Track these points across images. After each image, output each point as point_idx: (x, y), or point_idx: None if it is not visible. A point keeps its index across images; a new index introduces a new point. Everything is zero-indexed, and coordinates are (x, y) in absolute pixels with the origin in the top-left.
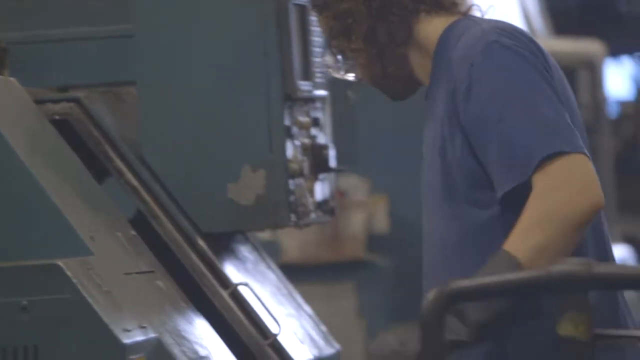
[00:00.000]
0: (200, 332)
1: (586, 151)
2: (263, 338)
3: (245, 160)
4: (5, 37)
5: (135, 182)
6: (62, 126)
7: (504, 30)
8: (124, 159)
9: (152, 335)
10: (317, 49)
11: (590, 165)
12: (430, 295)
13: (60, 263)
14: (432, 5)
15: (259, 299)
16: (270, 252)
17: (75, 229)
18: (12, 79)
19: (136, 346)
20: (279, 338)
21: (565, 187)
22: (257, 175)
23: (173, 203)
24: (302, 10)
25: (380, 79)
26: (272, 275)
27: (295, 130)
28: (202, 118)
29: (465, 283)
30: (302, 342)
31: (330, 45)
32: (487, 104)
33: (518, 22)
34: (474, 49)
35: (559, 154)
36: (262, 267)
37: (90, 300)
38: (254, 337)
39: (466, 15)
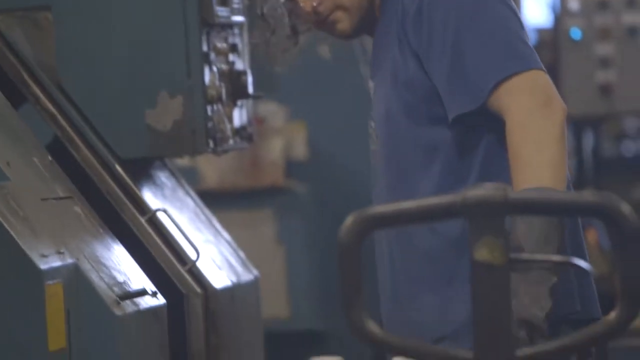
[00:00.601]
0: (118, 258)
1: (541, 66)
2: (181, 264)
3: (162, 87)
4: None
5: (52, 108)
6: None
7: None
8: (40, 85)
9: (69, 261)
10: None
11: (546, 77)
12: (347, 220)
13: None
14: None
15: (177, 225)
16: (189, 178)
17: None
18: None
19: (53, 272)
20: (197, 264)
21: (534, 106)
22: (175, 101)
23: (90, 129)
24: None
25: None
26: (190, 202)
27: (213, 56)
28: (119, 44)
29: (382, 208)
30: (220, 269)
31: None
32: (438, 28)
33: None
34: None
35: (514, 74)
36: (180, 193)
37: (6, 225)
38: (172, 263)
39: None
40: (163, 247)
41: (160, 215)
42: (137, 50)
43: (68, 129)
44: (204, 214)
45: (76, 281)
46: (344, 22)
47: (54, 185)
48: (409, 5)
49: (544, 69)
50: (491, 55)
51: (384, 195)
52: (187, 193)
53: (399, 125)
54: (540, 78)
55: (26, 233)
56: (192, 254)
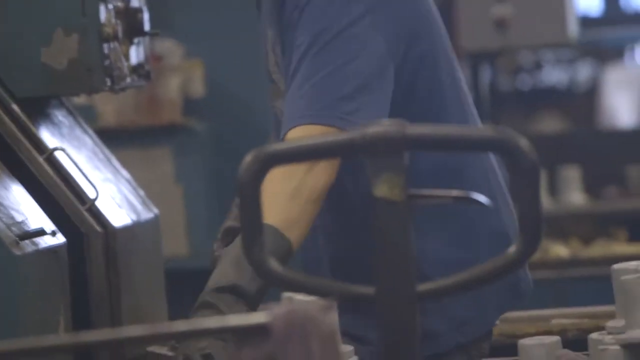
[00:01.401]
0: (17, 197)
1: (339, 119)
2: (81, 203)
3: (57, 24)
4: None
5: None
6: None
7: None
8: None
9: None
10: None
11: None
12: (246, 158)
13: None
14: None
15: (75, 164)
16: (86, 117)
17: None
18: None
19: None
20: (96, 203)
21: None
22: (71, 39)
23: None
24: None
25: None
26: (89, 140)
27: None
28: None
29: (281, 145)
30: (120, 207)
31: None
32: (301, 47)
33: None
34: None
35: (303, 124)
36: (78, 132)
37: None
38: (72, 202)
39: None
40: (62, 186)
41: (59, 154)
42: None
43: None
44: (102, 152)
45: None
46: None
47: None
48: None
49: (335, 122)
50: (299, 99)
51: None
52: (85, 131)
53: None
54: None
55: None
56: (91, 193)
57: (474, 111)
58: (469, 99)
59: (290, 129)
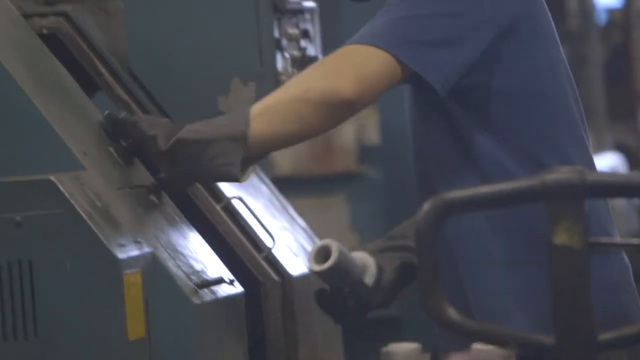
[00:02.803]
0: (195, 246)
1: (414, 59)
2: (258, 252)
3: (235, 73)
4: None
5: (124, 96)
6: (51, 40)
7: None
8: (113, 73)
9: (146, 250)
10: None
11: (378, 63)
12: (424, 206)
13: (52, 178)
14: None
15: (252, 212)
16: (262, 165)
17: (67, 144)
18: None
19: (131, 261)
20: (273, 251)
21: (322, 66)
22: (248, 88)
23: (163, 116)
24: None
25: None
26: (265, 189)
27: (284, 42)
28: (191, 31)
29: (459, 193)
30: (296, 255)
31: None
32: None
33: None
34: None
35: (364, 43)
36: (255, 180)
37: (83, 215)
38: (249, 250)
39: None
40: (239, 234)
41: (236, 203)
42: (209, 37)
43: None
44: (278, 200)
45: (154, 270)
46: None
47: (129, 174)
48: None
49: (402, 54)
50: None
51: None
52: (262, 180)
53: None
54: (375, 59)
55: (103, 222)
56: (268, 241)
57: (579, 105)
58: (574, 92)
59: (359, 44)
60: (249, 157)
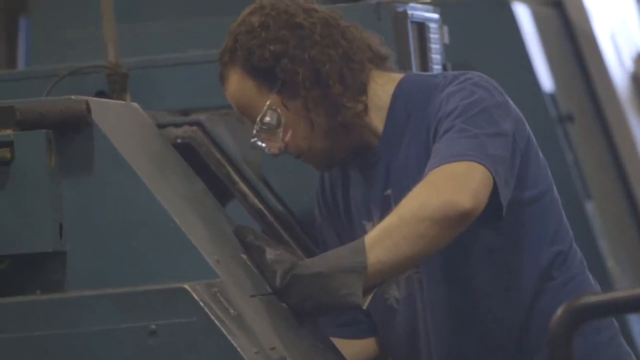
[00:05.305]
0: (328, 352)
1: (496, 169)
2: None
3: None
4: (126, 62)
5: (259, 204)
6: (185, 149)
7: (480, 74)
8: (246, 181)
9: (281, 357)
10: (436, 66)
11: (481, 175)
12: (559, 311)
13: (187, 286)
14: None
15: None
16: None
17: (201, 252)
18: (134, 104)
19: None
20: None
21: (431, 185)
22: None
23: (297, 225)
24: (420, 28)
25: (326, 138)
26: None
27: None
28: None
29: (595, 298)
30: None
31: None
32: (452, 113)
33: (638, 31)
34: (448, 86)
35: (462, 159)
36: None
37: (218, 323)
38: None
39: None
40: None
41: None
42: None
43: (275, 224)
44: None
45: None
46: (311, 163)
47: (262, 281)
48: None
49: (492, 169)
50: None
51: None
52: None
53: None
54: (478, 172)
55: (237, 330)
56: None
57: None
58: None
59: (457, 161)
60: (369, 286)
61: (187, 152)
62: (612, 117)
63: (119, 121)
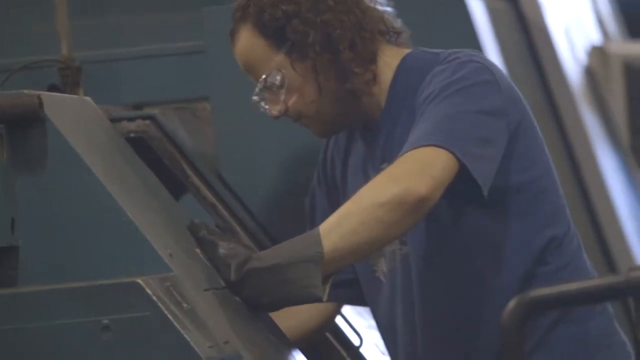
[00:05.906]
0: (281, 344)
1: (466, 148)
2: (345, 350)
3: None
4: (79, 56)
5: (212, 198)
6: (138, 143)
7: (474, 53)
8: (200, 175)
9: (235, 351)
10: None
11: (443, 161)
12: (510, 304)
13: (140, 281)
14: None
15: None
16: None
17: (154, 247)
18: (87, 97)
19: None
20: (360, 350)
21: (389, 174)
22: None
23: (251, 219)
24: None
25: (334, 104)
26: None
27: None
28: (278, 131)
29: (543, 291)
30: (384, 354)
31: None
32: (431, 95)
33: (591, 25)
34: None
35: (426, 144)
36: None
37: (171, 317)
38: (336, 349)
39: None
40: (327, 333)
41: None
42: (297, 136)
43: (229, 218)
44: None
45: None
46: (312, 127)
47: (216, 275)
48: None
49: (459, 150)
50: (431, 124)
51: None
52: None
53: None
54: (439, 157)
55: (191, 324)
56: (355, 340)
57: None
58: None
59: (419, 147)
60: (326, 274)
61: (140, 146)
62: (565, 111)
63: (71, 115)
